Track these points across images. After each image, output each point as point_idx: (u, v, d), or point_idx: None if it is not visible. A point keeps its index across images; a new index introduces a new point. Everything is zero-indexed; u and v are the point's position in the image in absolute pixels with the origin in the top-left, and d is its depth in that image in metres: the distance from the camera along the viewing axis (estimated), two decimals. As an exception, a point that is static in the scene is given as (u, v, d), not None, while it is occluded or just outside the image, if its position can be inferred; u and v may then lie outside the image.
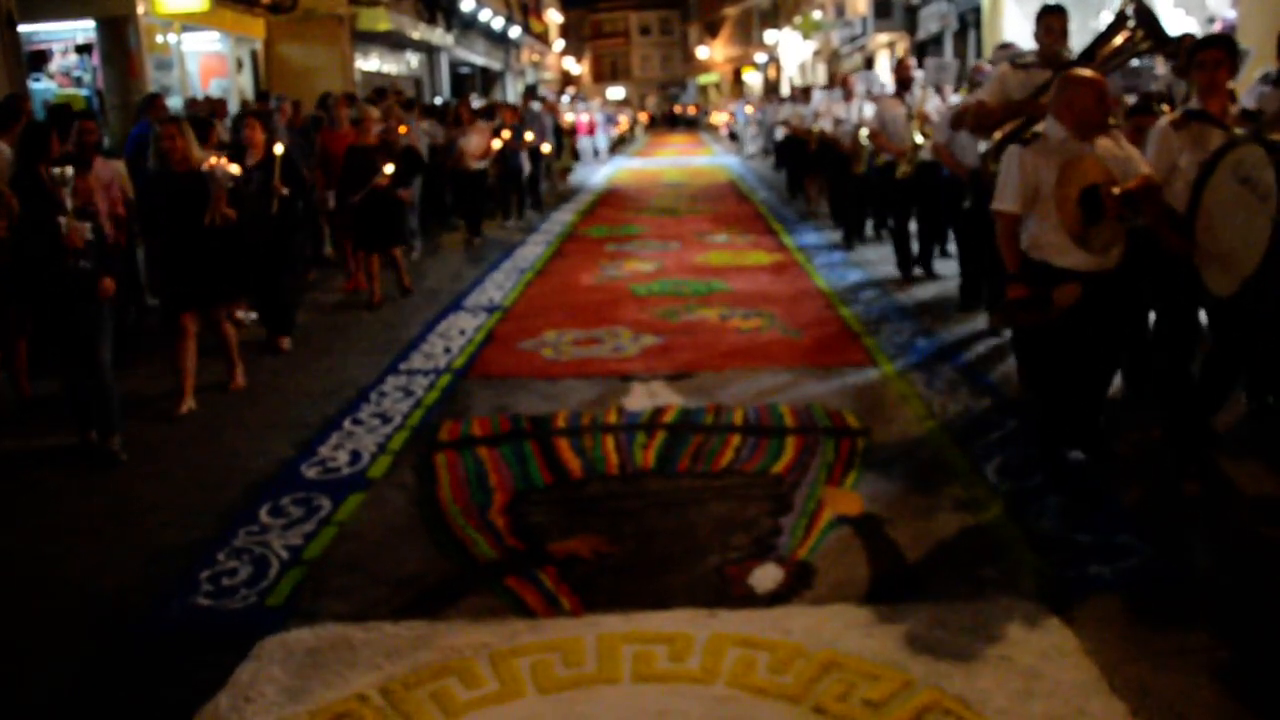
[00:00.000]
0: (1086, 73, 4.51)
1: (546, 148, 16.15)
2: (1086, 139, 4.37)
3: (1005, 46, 8.41)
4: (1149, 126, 4.85)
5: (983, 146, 5.94)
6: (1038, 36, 5.85)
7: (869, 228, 11.98)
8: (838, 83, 14.55)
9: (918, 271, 9.41)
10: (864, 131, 10.29)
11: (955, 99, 8.99)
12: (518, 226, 14.37)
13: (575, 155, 25.26)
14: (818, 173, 14.22)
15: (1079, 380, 4.58)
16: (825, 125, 12.10)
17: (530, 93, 19.37)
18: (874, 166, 10.36)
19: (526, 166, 15.28)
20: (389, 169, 8.64)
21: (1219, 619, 3.42)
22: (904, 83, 9.31)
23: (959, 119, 6.63)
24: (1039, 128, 4.50)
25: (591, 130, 29.89)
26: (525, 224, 14.58)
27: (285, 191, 7.59)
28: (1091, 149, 4.35)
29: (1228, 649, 3.25)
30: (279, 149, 7.54)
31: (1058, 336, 4.47)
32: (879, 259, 10.40)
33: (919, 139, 8.83)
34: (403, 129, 10.09)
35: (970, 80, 8.45)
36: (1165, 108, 5.33)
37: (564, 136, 19.82)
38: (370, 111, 9.49)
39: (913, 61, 9.87)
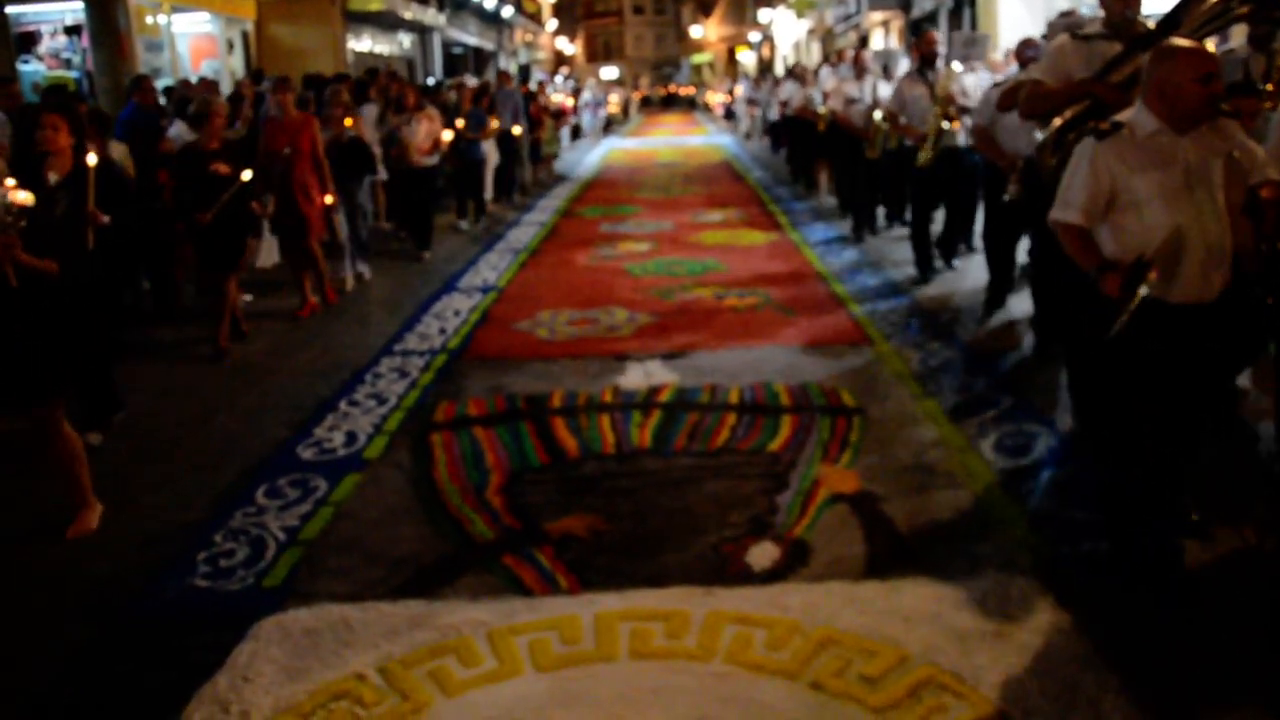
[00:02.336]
0: (1185, 42, 3.52)
1: (517, 130, 14.20)
2: (1185, 131, 3.41)
3: (1067, 14, 7.21)
4: (1253, 111, 3.95)
5: (1039, 135, 4.86)
6: (1104, 1, 4.77)
7: (880, 218, 10.91)
8: (847, 59, 13.21)
9: (938, 265, 8.59)
10: (878, 113, 9.53)
11: (1000, 76, 8.02)
12: (474, 232, 12.13)
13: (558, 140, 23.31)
14: (825, 156, 13.31)
15: (1171, 433, 3.54)
16: (836, 105, 10.85)
17: (503, 75, 16.98)
18: (889, 151, 9.59)
19: (494, 157, 13.63)
20: (246, 176, 6.75)
21: (1213, 593, 3.44)
22: (927, 59, 8.42)
23: (1009, 99, 5.78)
24: (1124, 116, 3.53)
25: (575, 111, 27.82)
26: (480, 230, 12.23)
27: (105, 219, 5.04)
28: (1217, 142, 3.42)
29: (1221, 622, 3.26)
30: (92, 159, 4.90)
31: (1149, 378, 3.46)
32: (892, 253, 9.48)
33: (944, 124, 8.03)
34: (348, 121, 8.86)
35: (1019, 55, 7.41)
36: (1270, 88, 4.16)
37: (538, 120, 17.25)
38: (218, 105, 7.21)
39: (938, 35, 8.77)
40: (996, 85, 6.96)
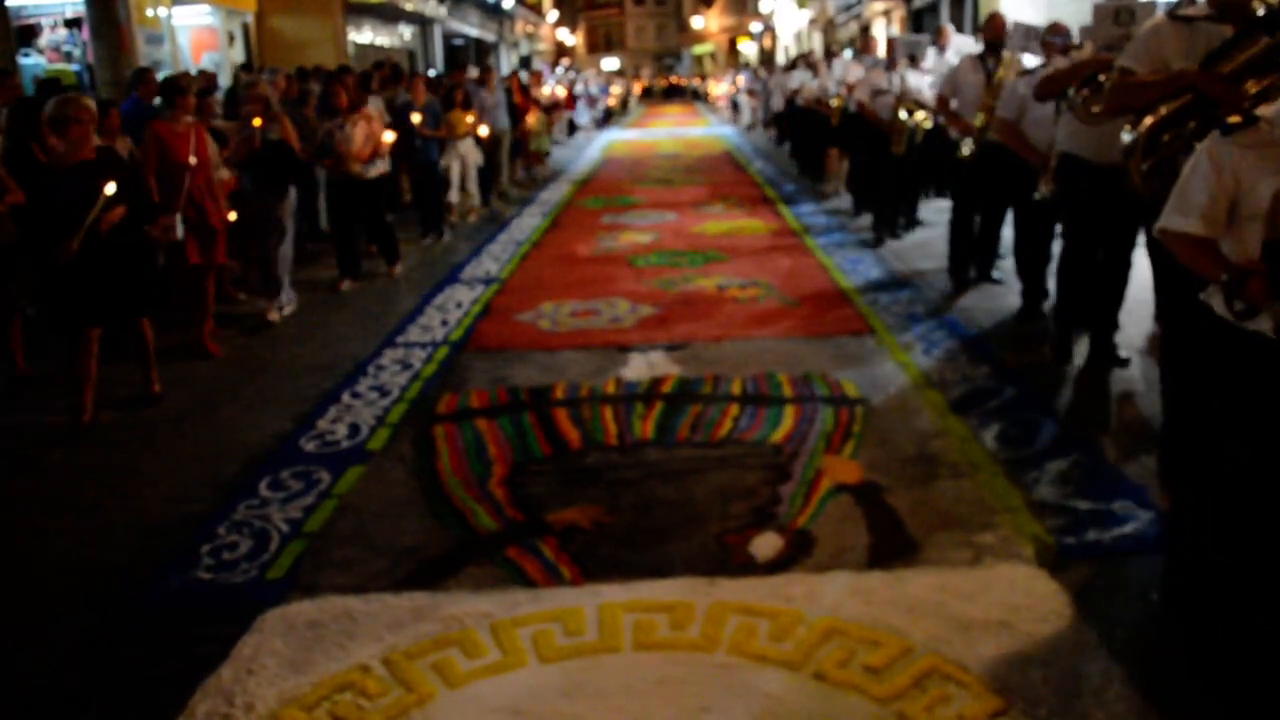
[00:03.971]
0: None
1: (484, 130, 12.42)
2: None
3: None
4: None
5: (1126, 136, 4.02)
6: None
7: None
8: (875, 48, 12.45)
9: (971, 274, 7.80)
10: (903, 111, 9.14)
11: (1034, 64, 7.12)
12: (438, 246, 10.63)
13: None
14: (838, 150, 12.79)
15: None
16: (862, 96, 10.04)
17: (462, 67, 15.94)
18: (915, 145, 9.20)
19: (474, 155, 12.09)
20: (110, 189, 5.28)
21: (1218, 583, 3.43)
22: (994, 45, 7.60)
23: (1050, 88, 5.44)
24: (1267, 111, 2.93)
25: (570, 105, 26.23)
26: (441, 247, 10.58)
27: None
28: None
29: (1226, 611, 3.26)
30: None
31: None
32: (904, 252, 9.09)
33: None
34: (256, 122, 7.37)
35: (1046, 43, 6.57)
36: None
37: (522, 115, 15.54)
38: (82, 106, 5.41)
39: (1007, 19, 7.85)
40: (1023, 74, 6.55)
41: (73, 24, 13.77)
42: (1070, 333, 5.90)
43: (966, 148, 7.46)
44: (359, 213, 8.75)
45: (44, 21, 13.89)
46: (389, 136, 8.90)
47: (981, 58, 7.68)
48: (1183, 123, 3.78)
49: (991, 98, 7.26)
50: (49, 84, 9.61)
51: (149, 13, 14.28)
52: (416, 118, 10.61)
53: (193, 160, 6.58)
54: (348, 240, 8.84)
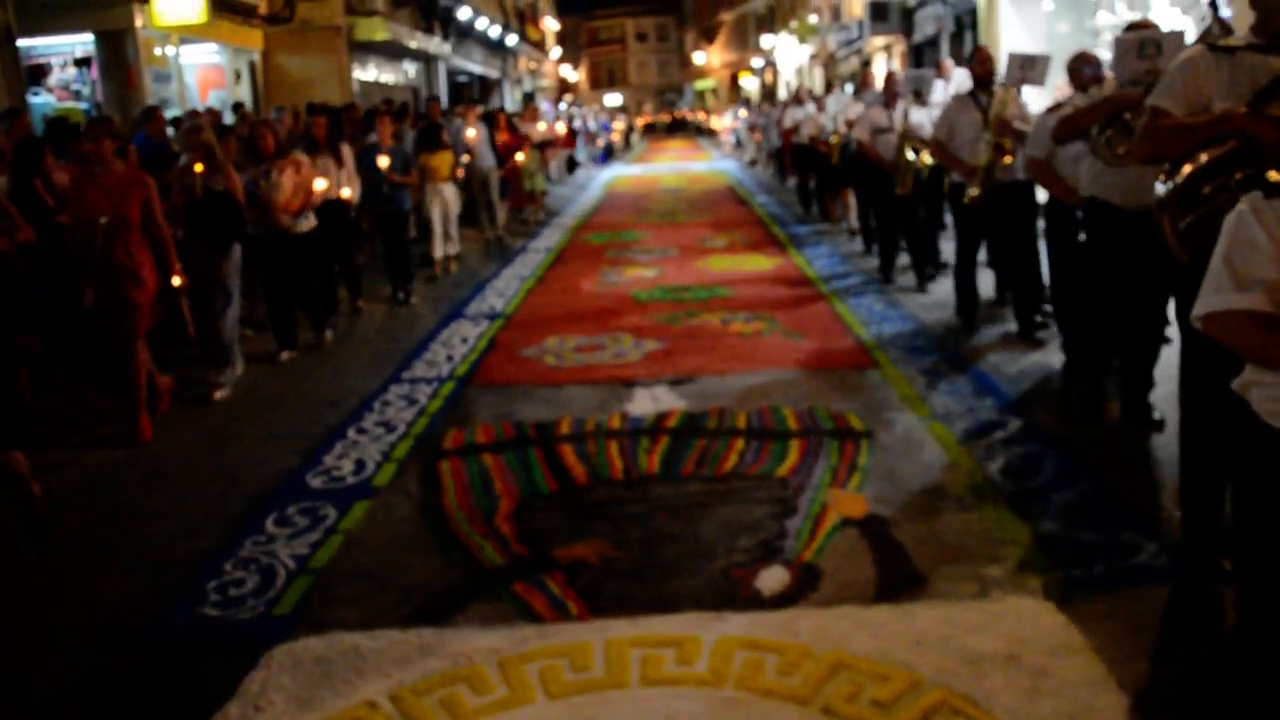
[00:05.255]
0: None
1: (459, 171, 11.73)
2: None
3: (1138, 25, 5.00)
4: None
5: (1161, 187, 3.49)
6: (1255, 1, 3.49)
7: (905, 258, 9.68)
8: (873, 83, 11.77)
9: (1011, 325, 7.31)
10: (912, 150, 8.70)
11: (1056, 98, 6.89)
12: (410, 309, 9.39)
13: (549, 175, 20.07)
14: (843, 187, 12.41)
15: None
16: (861, 134, 9.53)
17: (434, 101, 14.33)
18: (921, 185, 8.82)
19: (454, 204, 11.09)
20: None
21: (1225, 614, 3.43)
22: (982, 80, 7.28)
23: (1068, 129, 5.06)
24: None
25: (569, 143, 24.80)
26: (413, 309, 9.36)
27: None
28: None
29: (1233, 644, 3.25)
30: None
31: None
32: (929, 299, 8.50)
33: (1007, 157, 6.87)
34: (199, 168, 6.64)
35: (1075, 75, 5.90)
36: None
37: (510, 152, 14.37)
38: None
39: (993, 52, 7.55)
40: (1050, 111, 5.94)
41: (82, 63, 13.94)
42: (1101, 385, 5.56)
43: (973, 190, 7.00)
44: (291, 272, 7.60)
45: (54, 61, 14.07)
46: (321, 184, 7.79)
47: (973, 94, 7.32)
48: (1227, 173, 3.27)
49: (997, 134, 6.87)
50: (57, 122, 9.71)
51: (157, 51, 14.46)
52: (383, 161, 9.35)
53: (104, 220, 5.68)
54: (281, 304, 7.71)
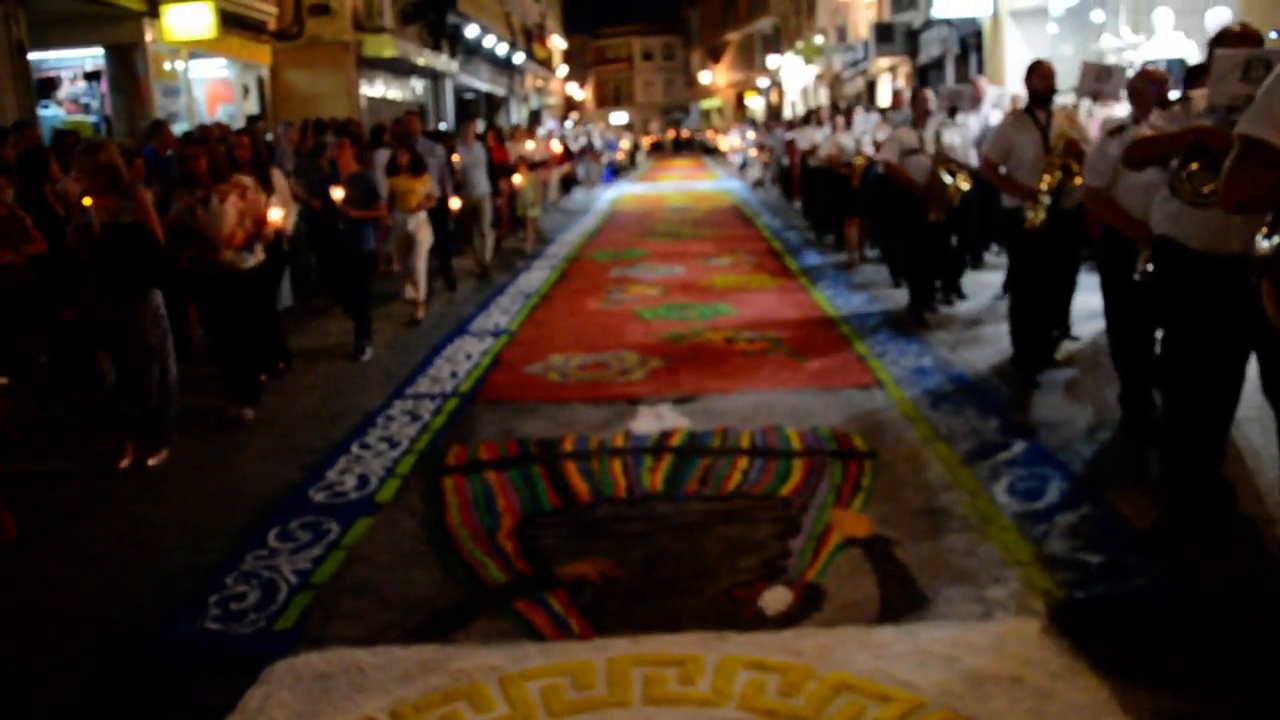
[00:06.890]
0: None
1: (455, 203, 11.02)
2: None
3: (1241, 35, 4.16)
4: None
5: (1264, 243, 2.87)
6: None
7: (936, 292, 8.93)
8: (904, 102, 10.88)
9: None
10: (948, 174, 8.09)
11: (1104, 112, 6.27)
12: (366, 361, 7.98)
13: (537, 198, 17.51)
14: (860, 213, 11.71)
15: None
16: (889, 156, 8.73)
17: (411, 117, 11.89)
18: (953, 211, 8.23)
19: (427, 238, 9.37)
20: None
21: (1227, 638, 3.41)
22: (1040, 96, 6.53)
23: (1140, 154, 4.20)
24: None
25: (564, 161, 23.34)
26: (371, 359, 8.03)
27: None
28: None
29: (1236, 667, 3.24)
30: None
31: None
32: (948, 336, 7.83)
33: (1077, 179, 6.06)
34: (87, 201, 5.36)
35: (1139, 94, 5.37)
36: None
37: (501, 173, 13.26)
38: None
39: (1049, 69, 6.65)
40: (1110, 134, 5.18)
41: (92, 77, 14.01)
42: (1145, 446, 5.05)
43: (1035, 215, 6.29)
44: (234, 316, 6.42)
45: (64, 74, 14.13)
46: (276, 214, 6.85)
47: (1029, 110, 6.58)
48: None
49: (1062, 155, 6.24)
50: (65, 135, 9.76)
51: (166, 66, 14.53)
52: (338, 193, 7.83)
53: None
54: (231, 355, 6.53)
